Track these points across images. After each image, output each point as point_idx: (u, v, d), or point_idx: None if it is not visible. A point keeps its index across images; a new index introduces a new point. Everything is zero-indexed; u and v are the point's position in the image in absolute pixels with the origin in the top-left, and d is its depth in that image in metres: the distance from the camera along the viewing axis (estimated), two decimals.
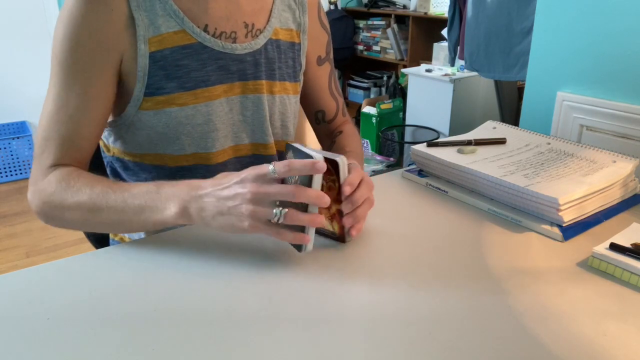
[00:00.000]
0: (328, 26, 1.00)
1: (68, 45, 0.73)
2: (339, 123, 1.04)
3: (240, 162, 0.88)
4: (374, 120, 3.34)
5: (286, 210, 0.62)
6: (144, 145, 0.82)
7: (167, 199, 0.67)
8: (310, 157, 0.64)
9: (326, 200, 0.63)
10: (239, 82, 0.84)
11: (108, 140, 0.87)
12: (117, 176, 0.90)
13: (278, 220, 0.62)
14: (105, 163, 0.92)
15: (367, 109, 3.40)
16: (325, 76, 1.00)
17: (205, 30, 0.80)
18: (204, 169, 0.84)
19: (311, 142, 1.29)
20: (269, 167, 0.62)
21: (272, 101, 0.89)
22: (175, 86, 0.78)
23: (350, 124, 1.05)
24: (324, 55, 0.99)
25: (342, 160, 0.67)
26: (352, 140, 0.98)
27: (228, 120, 0.85)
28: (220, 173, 0.67)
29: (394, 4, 4.08)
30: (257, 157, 0.90)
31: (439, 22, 3.52)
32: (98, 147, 0.92)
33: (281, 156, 0.94)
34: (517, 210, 0.80)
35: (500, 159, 0.90)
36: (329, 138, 1.03)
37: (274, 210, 0.62)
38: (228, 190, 0.63)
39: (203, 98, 0.80)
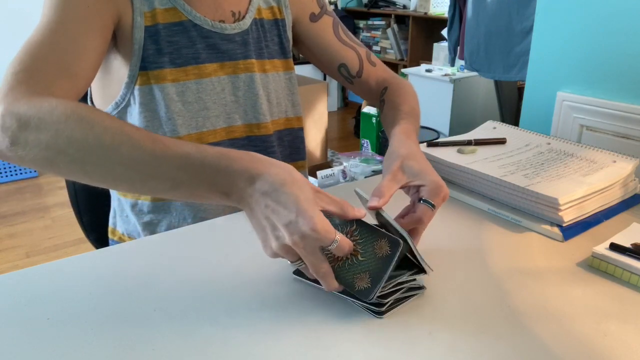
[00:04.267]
0: None
1: None
2: (375, 76, 0.98)
3: (233, 145, 0.89)
4: (374, 120, 3.34)
5: (303, 266, 0.56)
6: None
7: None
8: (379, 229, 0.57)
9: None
10: (230, 62, 0.85)
11: None
12: None
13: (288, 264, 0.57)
14: None
15: (367, 109, 3.40)
16: (327, 30, 0.97)
17: None
18: None
19: (311, 139, 1.28)
20: (334, 238, 0.53)
21: (266, 79, 0.90)
22: (166, 61, 0.80)
23: (393, 77, 0.97)
24: (318, 11, 0.97)
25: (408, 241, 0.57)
26: (405, 97, 0.88)
27: (220, 101, 0.85)
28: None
29: (394, 4, 4.08)
30: (252, 139, 0.90)
31: (439, 22, 3.52)
32: None
33: (279, 135, 0.93)
34: (517, 210, 0.80)
35: (500, 159, 0.90)
36: (375, 96, 0.96)
37: (295, 262, 0.56)
38: (281, 211, 0.53)
39: (193, 75, 0.82)
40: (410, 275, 0.59)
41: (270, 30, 0.91)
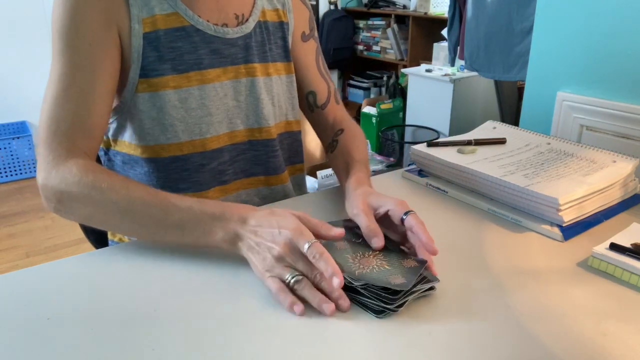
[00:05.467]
0: (309, 2, 0.99)
1: (69, 17, 0.73)
2: (334, 113, 0.99)
3: (236, 149, 0.88)
4: (374, 120, 3.34)
5: (300, 277, 0.59)
6: (137, 135, 0.82)
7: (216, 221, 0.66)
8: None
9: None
10: (232, 67, 0.85)
11: (107, 134, 0.88)
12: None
13: (290, 284, 0.59)
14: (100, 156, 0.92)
15: (367, 109, 3.40)
16: (311, 54, 0.98)
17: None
18: (199, 157, 0.84)
19: (311, 139, 1.28)
20: (305, 245, 0.59)
21: (269, 83, 0.90)
22: (168, 68, 0.79)
23: (350, 120, 0.99)
24: (308, 32, 0.98)
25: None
26: (358, 144, 0.92)
27: (222, 106, 0.85)
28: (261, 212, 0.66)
29: (394, 4, 4.08)
30: (253, 144, 0.90)
31: (439, 22, 3.52)
32: None
33: (279, 139, 0.93)
34: (517, 210, 0.80)
35: (500, 159, 0.90)
36: (329, 133, 0.97)
37: (288, 274, 0.60)
38: (266, 231, 0.63)
39: (196, 81, 0.81)
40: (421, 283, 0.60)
41: (274, 32, 0.91)
